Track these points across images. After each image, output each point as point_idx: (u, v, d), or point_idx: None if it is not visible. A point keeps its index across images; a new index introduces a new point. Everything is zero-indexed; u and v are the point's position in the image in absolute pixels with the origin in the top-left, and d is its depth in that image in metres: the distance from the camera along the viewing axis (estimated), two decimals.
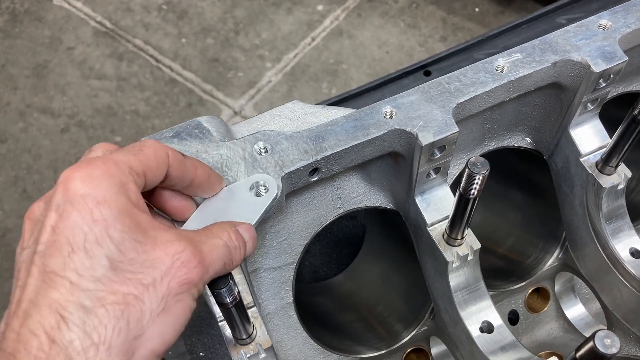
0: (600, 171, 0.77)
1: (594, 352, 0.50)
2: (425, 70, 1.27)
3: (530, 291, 0.98)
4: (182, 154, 0.55)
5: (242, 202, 0.60)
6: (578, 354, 0.52)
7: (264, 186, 0.61)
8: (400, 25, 2.68)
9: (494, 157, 0.73)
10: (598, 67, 0.69)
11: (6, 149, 2.37)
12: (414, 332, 0.89)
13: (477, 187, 0.59)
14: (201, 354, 0.97)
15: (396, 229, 0.95)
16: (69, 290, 0.43)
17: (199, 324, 0.99)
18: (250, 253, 0.57)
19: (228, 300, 0.54)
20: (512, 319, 0.98)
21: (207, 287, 0.54)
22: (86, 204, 0.45)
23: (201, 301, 1.05)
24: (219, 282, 0.53)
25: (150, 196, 0.56)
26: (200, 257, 0.49)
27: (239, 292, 0.55)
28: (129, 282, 0.45)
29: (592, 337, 0.50)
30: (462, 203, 0.63)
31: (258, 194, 0.61)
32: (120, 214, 0.46)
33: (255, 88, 2.52)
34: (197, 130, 0.66)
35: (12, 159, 2.34)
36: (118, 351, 0.43)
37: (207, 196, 0.60)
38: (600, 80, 0.71)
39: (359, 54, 2.60)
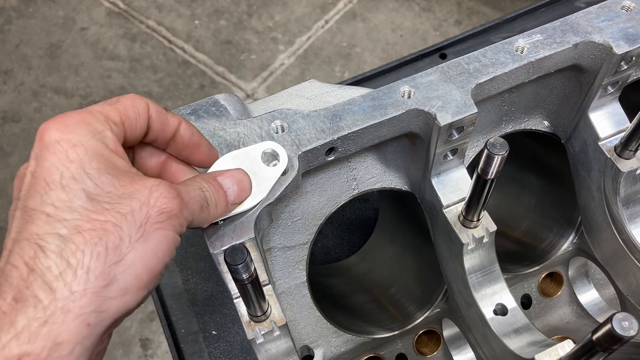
0: (619, 155, 0.76)
1: (611, 334, 0.50)
2: (441, 53, 1.26)
3: (543, 276, 0.97)
4: (165, 109, 0.56)
5: (254, 168, 0.61)
6: (595, 336, 0.52)
7: (275, 155, 0.62)
8: (415, 8, 2.65)
9: (510, 141, 0.73)
10: (620, 49, 0.68)
11: (20, 128, 2.38)
12: (426, 313, 0.89)
13: (496, 168, 0.59)
14: (213, 332, 0.98)
15: (410, 211, 0.95)
16: (46, 222, 0.45)
17: (211, 303, 1.00)
18: (238, 198, 0.58)
19: (244, 276, 0.54)
20: (525, 303, 0.98)
21: (224, 262, 0.54)
22: (61, 147, 0.47)
23: (212, 281, 1.06)
24: (236, 257, 0.53)
25: (135, 154, 0.58)
26: (177, 191, 0.50)
27: (255, 268, 0.55)
28: (106, 212, 0.46)
29: (610, 319, 0.50)
30: (480, 184, 0.62)
31: (268, 163, 0.62)
32: (96, 155, 0.47)
33: (267, 71, 2.51)
34: (214, 108, 0.66)
35: (26, 139, 2.36)
36: (98, 274, 0.44)
37: (195, 160, 0.60)
38: (622, 63, 0.70)
39: (373, 37, 2.58)
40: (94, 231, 0.45)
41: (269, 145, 0.62)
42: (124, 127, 0.52)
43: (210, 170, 0.61)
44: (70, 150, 0.47)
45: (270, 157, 0.62)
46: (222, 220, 0.60)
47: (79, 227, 0.45)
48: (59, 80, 2.49)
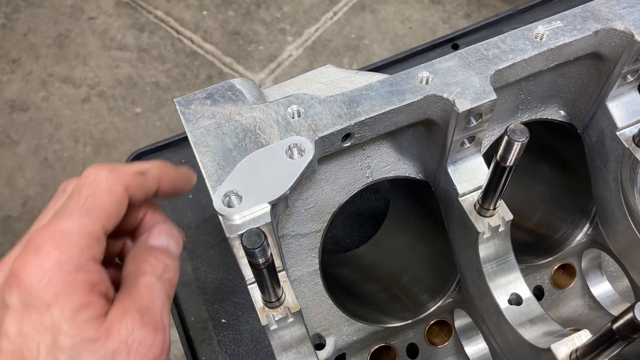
0: (637, 145, 0.75)
1: (633, 323, 0.49)
2: (453, 43, 1.25)
3: (556, 267, 0.97)
4: (140, 171, 0.52)
5: (277, 164, 0.60)
6: (615, 325, 0.52)
7: (300, 149, 0.61)
8: (424, 0, 2.64)
9: None
10: None
11: (28, 117, 2.38)
12: (439, 303, 0.89)
13: (515, 155, 0.58)
14: (223, 320, 0.97)
15: (422, 201, 0.94)
16: None
17: (221, 292, 1.00)
18: (179, 248, 0.55)
19: (261, 260, 0.54)
20: (537, 294, 0.97)
21: (240, 246, 0.53)
22: (36, 308, 0.44)
23: (222, 270, 1.06)
24: (253, 242, 0.52)
25: None
26: (152, 324, 0.47)
27: (271, 253, 0.55)
28: None
29: (632, 307, 0.49)
30: (498, 172, 0.62)
31: (293, 157, 0.60)
32: (73, 313, 0.44)
33: (275, 62, 2.50)
34: (230, 92, 0.66)
35: (34, 128, 2.36)
36: None
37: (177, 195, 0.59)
38: None
39: (382, 29, 2.57)
40: None
41: (294, 140, 0.61)
42: (106, 233, 0.48)
43: (240, 165, 0.59)
44: (45, 314, 0.43)
45: (296, 151, 0.61)
46: None
47: None
48: (67, 69, 2.49)
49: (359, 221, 1.14)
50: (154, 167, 0.54)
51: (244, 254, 0.56)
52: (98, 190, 0.48)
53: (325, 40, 2.55)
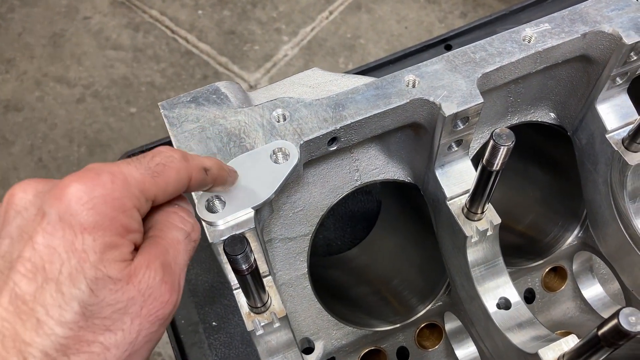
0: (627, 148, 0.74)
1: (617, 329, 0.49)
2: (446, 44, 1.24)
3: (547, 270, 0.96)
4: (205, 168, 0.52)
5: (262, 169, 0.59)
6: (600, 332, 0.51)
7: (284, 153, 0.60)
8: (420, 0, 2.63)
9: (515, 132, 0.71)
10: (630, 39, 0.67)
11: (22, 117, 2.37)
12: (429, 306, 0.88)
13: (501, 159, 0.58)
14: (214, 323, 0.97)
15: (412, 204, 0.94)
16: (35, 329, 0.42)
17: (211, 294, 0.99)
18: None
19: (244, 266, 0.53)
20: (528, 297, 0.97)
21: (223, 252, 0.53)
22: (72, 227, 0.42)
23: (213, 272, 1.05)
24: (235, 248, 0.52)
25: None
26: (170, 282, 0.47)
27: (255, 259, 0.54)
28: (97, 329, 0.43)
29: (617, 314, 0.49)
30: (485, 176, 0.61)
31: (278, 161, 0.60)
32: (103, 248, 0.43)
33: (271, 62, 2.49)
34: (214, 96, 0.65)
35: (28, 128, 2.35)
36: None
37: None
38: (632, 54, 0.69)
39: (377, 28, 2.56)
40: (81, 354, 0.42)
41: (279, 145, 0.61)
42: (155, 200, 0.48)
43: None
44: (78, 236, 0.42)
45: (281, 155, 0.61)
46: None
47: (67, 347, 0.42)
48: (62, 69, 2.48)
49: (351, 223, 1.14)
50: (214, 167, 0.54)
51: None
52: (169, 166, 0.49)
53: (321, 39, 2.54)
